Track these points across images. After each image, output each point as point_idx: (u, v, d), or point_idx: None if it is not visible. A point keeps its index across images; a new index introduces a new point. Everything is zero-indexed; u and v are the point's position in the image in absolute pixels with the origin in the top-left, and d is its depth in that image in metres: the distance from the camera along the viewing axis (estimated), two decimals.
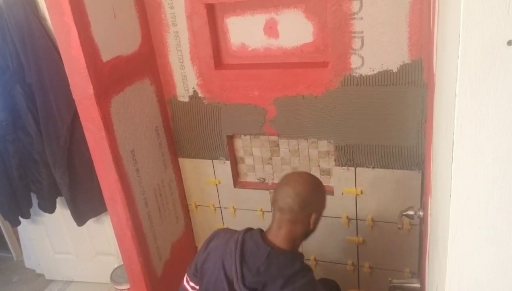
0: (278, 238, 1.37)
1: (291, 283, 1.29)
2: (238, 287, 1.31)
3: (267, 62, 1.82)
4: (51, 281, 2.82)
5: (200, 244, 2.27)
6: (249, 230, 1.42)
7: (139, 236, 1.85)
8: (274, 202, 1.39)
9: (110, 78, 1.64)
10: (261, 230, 1.42)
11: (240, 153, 2.05)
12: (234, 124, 1.94)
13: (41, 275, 2.86)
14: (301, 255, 1.40)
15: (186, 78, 1.92)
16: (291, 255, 1.36)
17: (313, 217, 1.38)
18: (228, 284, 1.33)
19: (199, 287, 1.45)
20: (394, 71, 1.61)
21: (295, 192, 1.35)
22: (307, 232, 1.42)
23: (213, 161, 2.06)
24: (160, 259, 2.02)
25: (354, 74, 1.67)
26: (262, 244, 1.34)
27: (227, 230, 1.50)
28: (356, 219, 1.94)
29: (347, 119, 1.75)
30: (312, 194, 1.38)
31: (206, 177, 2.11)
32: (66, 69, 1.57)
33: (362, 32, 1.58)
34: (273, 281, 1.29)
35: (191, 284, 1.48)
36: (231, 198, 2.12)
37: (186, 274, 1.51)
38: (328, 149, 1.88)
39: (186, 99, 1.97)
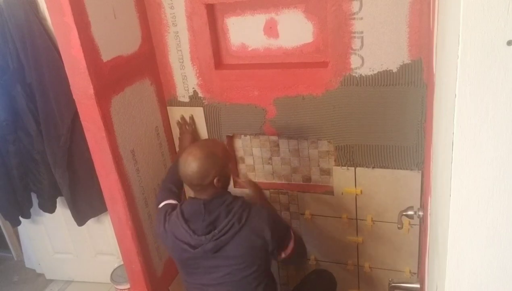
0: (204, 196, 1.55)
1: (231, 210, 1.52)
2: (195, 241, 1.51)
3: (267, 62, 1.82)
4: (51, 281, 2.82)
5: None
6: (182, 202, 1.62)
7: (139, 236, 1.85)
8: (181, 176, 1.56)
9: (110, 78, 1.64)
10: (190, 197, 1.64)
11: (240, 153, 2.05)
12: (234, 124, 1.94)
13: (41, 275, 2.87)
14: (228, 192, 1.59)
15: (186, 78, 1.92)
16: (221, 194, 1.55)
17: (216, 180, 1.52)
18: (189, 246, 1.52)
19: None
20: (394, 71, 1.61)
21: (190, 170, 1.50)
22: (221, 187, 1.56)
23: None
24: (160, 259, 2.02)
25: (354, 74, 1.67)
26: (195, 201, 1.55)
27: (162, 215, 1.63)
28: (356, 219, 1.94)
29: (347, 119, 1.75)
30: (205, 166, 1.51)
31: None
32: (66, 69, 1.57)
33: (362, 32, 1.58)
34: (218, 218, 1.51)
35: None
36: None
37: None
38: (328, 149, 1.88)
39: (186, 99, 1.97)
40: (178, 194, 1.76)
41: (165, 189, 1.77)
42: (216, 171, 1.52)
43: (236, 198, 1.57)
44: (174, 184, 1.76)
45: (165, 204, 1.67)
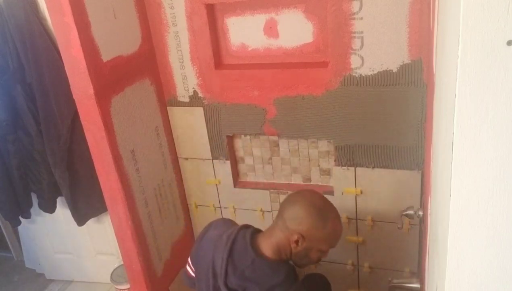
0: (266, 245, 1.37)
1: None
2: (220, 284, 1.32)
3: (267, 62, 1.82)
4: (51, 281, 2.82)
5: None
6: (244, 227, 1.42)
7: (139, 236, 1.85)
8: (285, 202, 1.40)
9: (110, 78, 1.64)
10: (254, 231, 1.41)
11: (240, 152, 2.05)
12: (234, 124, 1.95)
13: (41, 275, 2.87)
14: (286, 266, 1.35)
15: (186, 78, 1.92)
16: (276, 265, 1.33)
17: (296, 238, 1.32)
18: (213, 277, 1.35)
19: (195, 271, 1.49)
20: (394, 71, 1.61)
21: (294, 203, 1.34)
22: (294, 253, 1.36)
23: (213, 160, 2.06)
24: (160, 259, 2.02)
25: (354, 74, 1.67)
26: (250, 247, 1.34)
27: (225, 222, 1.50)
28: (356, 219, 1.94)
29: (347, 119, 1.75)
30: (308, 215, 1.32)
31: (206, 177, 2.11)
32: (66, 69, 1.57)
33: (362, 32, 1.58)
34: (253, 287, 1.29)
35: (192, 266, 1.53)
36: (231, 198, 2.12)
37: (189, 256, 1.55)
38: (328, 149, 1.88)
39: (186, 99, 1.97)
40: None
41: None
42: (307, 231, 1.32)
43: (287, 281, 1.30)
44: None
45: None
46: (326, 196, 1.92)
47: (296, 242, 1.32)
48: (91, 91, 1.56)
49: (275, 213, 2.07)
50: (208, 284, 1.37)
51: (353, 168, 1.84)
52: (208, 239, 1.44)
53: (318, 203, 1.35)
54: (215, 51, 1.84)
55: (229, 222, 1.50)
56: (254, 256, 1.32)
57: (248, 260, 1.32)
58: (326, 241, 1.36)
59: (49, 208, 2.36)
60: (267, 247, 1.37)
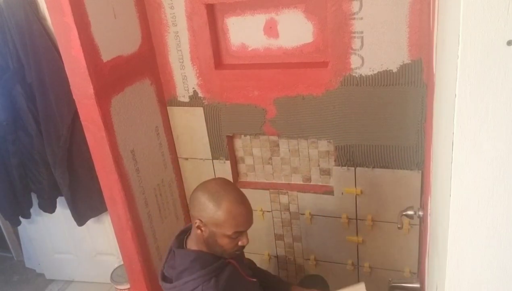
0: (190, 239, 1.44)
1: (177, 279, 1.37)
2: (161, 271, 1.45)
3: (267, 62, 1.82)
4: (51, 281, 2.82)
5: None
6: (182, 232, 1.50)
7: (139, 236, 1.85)
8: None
9: (110, 78, 1.64)
10: (185, 232, 1.49)
11: (240, 153, 2.05)
12: (234, 124, 1.94)
13: (41, 275, 2.86)
14: (196, 254, 1.37)
15: (186, 78, 1.92)
16: (187, 253, 1.39)
17: (198, 224, 1.33)
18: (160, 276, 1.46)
19: None
20: (394, 71, 1.61)
21: (195, 190, 1.37)
22: (203, 240, 1.36)
23: (213, 160, 2.06)
24: (160, 259, 2.02)
25: (354, 74, 1.67)
26: (175, 242, 1.45)
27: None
28: (356, 219, 1.94)
29: (347, 119, 1.75)
30: (201, 200, 1.32)
31: (206, 177, 2.09)
32: (66, 69, 1.57)
33: (362, 32, 1.58)
34: (172, 276, 1.40)
35: None
36: None
37: None
38: (328, 149, 1.88)
39: (186, 99, 1.97)
40: None
41: None
42: (201, 213, 1.33)
43: (193, 268, 1.34)
44: None
45: None
46: (326, 196, 1.94)
47: (199, 227, 1.34)
48: (91, 91, 1.56)
49: (275, 213, 2.07)
50: None
51: (353, 168, 1.84)
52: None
53: (213, 188, 1.34)
54: (215, 51, 1.84)
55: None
56: (173, 248, 1.42)
57: (173, 253, 1.43)
58: (225, 225, 1.31)
59: (49, 208, 2.36)
60: (190, 240, 1.43)
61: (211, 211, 1.31)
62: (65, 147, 2.09)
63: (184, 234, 1.48)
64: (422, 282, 1.41)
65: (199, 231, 1.35)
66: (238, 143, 2.03)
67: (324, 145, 1.89)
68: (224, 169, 2.05)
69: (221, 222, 1.31)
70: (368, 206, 1.89)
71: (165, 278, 1.43)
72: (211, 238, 1.34)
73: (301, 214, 2.03)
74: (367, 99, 1.69)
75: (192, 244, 1.42)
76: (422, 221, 1.47)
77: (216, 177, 1.78)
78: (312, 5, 1.67)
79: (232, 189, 1.37)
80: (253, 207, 2.07)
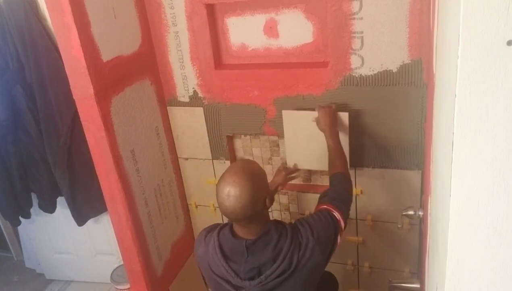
0: (247, 232, 1.35)
1: (279, 254, 1.32)
2: (237, 283, 1.34)
3: (267, 62, 1.82)
4: (51, 281, 2.82)
5: None
6: (220, 229, 1.41)
7: (139, 236, 1.85)
8: (224, 213, 1.32)
9: (110, 78, 1.64)
10: (230, 226, 1.40)
11: (240, 153, 2.05)
12: (234, 124, 1.94)
13: (41, 275, 2.87)
14: (271, 225, 1.36)
15: (186, 78, 1.92)
16: (264, 234, 1.33)
17: (266, 200, 1.34)
18: (228, 283, 1.36)
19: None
20: (394, 71, 1.61)
21: (238, 202, 1.26)
22: (268, 208, 1.39)
23: (213, 160, 2.06)
24: (160, 259, 2.02)
25: (354, 74, 1.67)
26: (235, 240, 1.35)
27: (203, 236, 1.46)
28: (356, 219, 1.94)
29: None
30: (253, 191, 1.28)
31: (206, 177, 2.11)
32: (66, 69, 1.57)
33: (362, 32, 1.58)
34: (265, 263, 1.32)
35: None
36: None
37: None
38: None
39: (186, 99, 1.97)
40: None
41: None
42: (263, 192, 1.32)
43: (281, 234, 1.34)
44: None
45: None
46: None
47: (270, 201, 1.37)
48: (91, 91, 1.56)
49: (275, 212, 2.07)
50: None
51: (353, 168, 1.84)
52: (201, 261, 1.45)
53: (241, 179, 1.30)
54: (215, 51, 1.84)
55: (207, 234, 1.47)
56: (244, 242, 1.33)
57: (242, 249, 1.33)
58: (266, 180, 1.39)
59: (49, 208, 2.36)
60: (250, 232, 1.35)
61: (262, 181, 1.36)
62: (65, 147, 2.09)
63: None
64: (422, 282, 1.41)
65: (268, 205, 1.34)
66: (238, 143, 2.03)
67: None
68: (224, 169, 2.04)
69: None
70: (368, 206, 1.89)
71: (252, 277, 1.34)
72: (271, 200, 1.39)
73: (301, 214, 2.03)
74: (367, 99, 1.69)
75: (254, 234, 1.34)
76: (422, 221, 1.47)
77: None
78: (312, 5, 1.67)
79: (235, 168, 1.36)
80: None
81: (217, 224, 1.48)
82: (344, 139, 1.70)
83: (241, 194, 1.26)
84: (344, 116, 1.69)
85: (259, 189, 1.31)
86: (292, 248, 1.32)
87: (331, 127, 1.64)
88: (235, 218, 1.30)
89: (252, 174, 1.32)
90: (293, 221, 1.45)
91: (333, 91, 1.72)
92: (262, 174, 1.37)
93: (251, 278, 1.33)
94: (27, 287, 2.82)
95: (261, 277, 1.32)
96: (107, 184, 1.74)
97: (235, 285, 1.35)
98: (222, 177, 1.34)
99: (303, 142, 1.79)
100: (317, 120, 1.69)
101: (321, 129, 1.66)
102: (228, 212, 1.29)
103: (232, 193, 1.27)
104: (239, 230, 1.36)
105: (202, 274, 1.51)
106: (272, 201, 1.39)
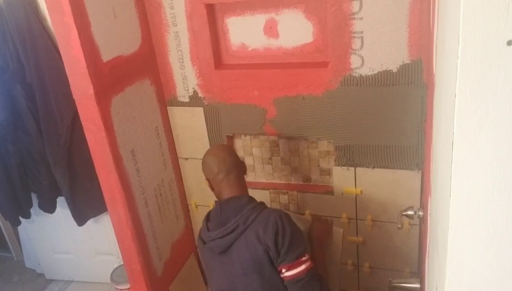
0: (230, 191, 1.57)
1: (241, 210, 1.50)
2: (207, 237, 1.55)
3: (267, 62, 1.82)
4: (51, 281, 2.82)
5: None
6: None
7: (139, 236, 1.85)
8: (214, 173, 1.57)
9: (110, 78, 1.64)
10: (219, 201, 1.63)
11: (240, 153, 2.05)
12: (234, 124, 1.94)
13: (41, 275, 2.87)
14: (248, 195, 1.59)
15: (186, 78, 1.92)
16: (239, 196, 1.55)
17: (243, 167, 1.64)
18: (202, 241, 1.60)
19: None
20: (394, 71, 1.61)
21: (224, 151, 1.61)
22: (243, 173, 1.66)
23: None
24: (160, 259, 2.02)
25: (354, 74, 1.67)
26: (218, 205, 1.57)
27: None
28: (356, 219, 1.94)
29: (347, 119, 1.75)
30: (233, 150, 1.71)
31: None
32: (66, 69, 1.57)
33: (362, 32, 1.58)
34: (228, 217, 1.51)
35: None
36: None
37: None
38: (328, 149, 1.88)
39: (186, 99, 1.97)
40: None
41: None
42: (240, 158, 1.63)
43: (252, 200, 1.56)
44: None
45: None
46: (326, 196, 1.94)
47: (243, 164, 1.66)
48: (91, 91, 1.56)
49: None
50: (206, 257, 1.61)
51: (353, 168, 1.84)
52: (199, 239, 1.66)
53: (223, 147, 1.69)
54: (215, 51, 1.84)
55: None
56: (219, 203, 1.57)
57: (218, 209, 1.57)
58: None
59: (49, 208, 2.36)
60: (233, 192, 1.60)
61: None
62: (65, 147, 2.09)
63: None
64: (422, 282, 1.42)
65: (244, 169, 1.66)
66: (238, 143, 2.03)
67: (324, 145, 1.89)
68: None
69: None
70: (368, 206, 1.89)
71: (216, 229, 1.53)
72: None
73: (301, 214, 2.03)
74: (367, 99, 1.69)
75: (235, 193, 1.58)
76: (422, 221, 1.47)
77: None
78: (312, 5, 1.67)
79: (216, 147, 1.74)
80: None
81: None
82: (335, 256, 1.81)
83: (226, 149, 1.63)
84: (338, 232, 1.74)
85: (234, 151, 1.67)
86: (253, 210, 1.49)
87: (321, 240, 1.78)
88: (226, 166, 1.56)
89: (228, 145, 1.72)
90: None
91: (333, 91, 1.72)
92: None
93: (215, 230, 1.52)
94: (27, 287, 2.82)
95: (221, 228, 1.49)
96: (107, 184, 1.74)
97: (204, 240, 1.57)
98: (205, 154, 1.63)
99: None
100: (309, 229, 1.81)
101: (310, 239, 1.77)
102: (220, 162, 1.56)
103: (218, 151, 1.61)
104: (224, 191, 1.57)
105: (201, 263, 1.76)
106: (245, 167, 1.66)
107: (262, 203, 1.57)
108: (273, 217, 1.45)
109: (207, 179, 1.62)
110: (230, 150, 1.64)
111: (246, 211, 1.49)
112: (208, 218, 1.60)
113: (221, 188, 1.58)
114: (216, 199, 1.63)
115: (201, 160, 1.78)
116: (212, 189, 1.63)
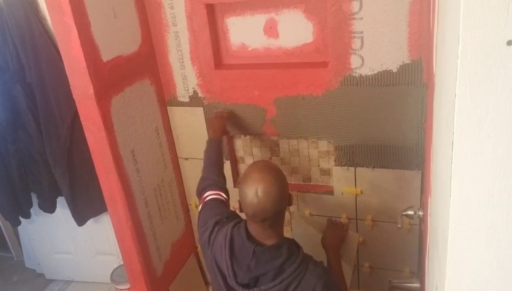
0: (263, 236, 1.34)
1: (281, 273, 1.30)
2: (231, 283, 1.34)
3: (267, 62, 1.82)
4: (51, 281, 2.82)
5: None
6: (237, 223, 1.40)
7: (139, 236, 1.85)
8: (253, 212, 1.30)
9: (110, 78, 1.64)
10: (245, 223, 1.39)
11: (240, 153, 2.05)
12: (234, 124, 1.94)
13: (41, 275, 2.87)
14: (286, 241, 1.36)
15: (186, 78, 1.92)
16: (276, 246, 1.33)
17: (290, 197, 1.38)
18: (223, 279, 1.36)
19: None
20: (394, 71, 1.61)
21: (269, 196, 1.28)
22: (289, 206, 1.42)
23: None
24: (160, 259, 2.02)
25: (354, 74, 1.67)
26: (247, 241, 1.33)
27: (212, 221, 1.45)
28: (356, 219, 1.94)
29: (347, 119, 1.75)
30: (281, 186, 1.30)
31: None
32: (66, 69, 1.57)
33: (362, 32, 1.58)
34: (264, 275, 1.31)
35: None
36: (231, 197, 2.11)
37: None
38: (328, 149, 1.88)
39: (186, 99, 1.97)
40: (223, 182, 1.63)
41: (207, 177, 1.59)
42: (287, 187, 1.33)
43: (291, 256, 1.32)
44: (214, 173, 1.61)
45: (214, 200, 1.51)
46: (326, 196, 1.94)
47: (290, 200, 1.39)
48: (91, 91, 1.56)
49: None
50: (219, 284, 1.38)
51: (353, 168, 1.84)
52: (204, 243, 1.45)
53: (270, 179, 1.31)
54: (215, 51, 1.84)
55: (220, 218, 1.45)
56: (253, 247, 1.32)
57: (249, 253, 1.32)
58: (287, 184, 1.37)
59: (49, 208, 2.36)
60: (265, 237, 1.35)
61: (286, 184, 1.37)
62: (65, 147, 2.09)
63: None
64: (422, 282, 1.42)
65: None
66: (238, 143, 2.03)
67: (324, 145, 1.89)
68: (224, 169, 2.04)
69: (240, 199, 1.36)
70: (368, 206, 1.89)
71: (247, 285, 1.33)
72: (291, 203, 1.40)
73: (301, 214, 2.03)
74: (367, 99, 1.69)
75: (269, 240, 1.34)
76: (422, 221, 1.47)
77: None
78: (312, 5, 1.67)
79: (257, 169, 1.35)
80: None
81: (227, 211, 1.48)
82: (348, 261, 1.70)
83: (271, 189, 1.27)
84: (354, 236, 1.64)
85: (284, 183, 1.32)
86: (295, 275, 1.30)
87: (335, 248, 1.63)
88: (264, 215, 1.28)
89: (276, 170, 1.34)
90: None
91: (333, 91, 1.72)
92: (281, 171, 1.38)
93: (246, 286, 1.32)
94: (27, 287, 2.82)
95: (255, 289, 1.31)
96: (107, 184, 1.74)
97: (228, 285, 1.35)
98: (247, 176, 1.33)
99: (307, 246, 1.63)
100: (323, 235, 1.68)
101: (324, 247, 1.64)
102: (259, 209, 1.27)
103: (262, 189, 1.27)
104: (254, 231, 1.34)
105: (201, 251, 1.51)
106: (292, 199, 1.41)
107: (303, 259, 1.33)
108: (308, 274, 1.30)
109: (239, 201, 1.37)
110: (276, 194, 1.29)
111: (288, 274, 1.29)
112: (231, 249, 1.33)
113: (254, 226, 1.35)
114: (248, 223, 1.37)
115: (201, 160, 1.78)
116: (241, 210, 1.37)
